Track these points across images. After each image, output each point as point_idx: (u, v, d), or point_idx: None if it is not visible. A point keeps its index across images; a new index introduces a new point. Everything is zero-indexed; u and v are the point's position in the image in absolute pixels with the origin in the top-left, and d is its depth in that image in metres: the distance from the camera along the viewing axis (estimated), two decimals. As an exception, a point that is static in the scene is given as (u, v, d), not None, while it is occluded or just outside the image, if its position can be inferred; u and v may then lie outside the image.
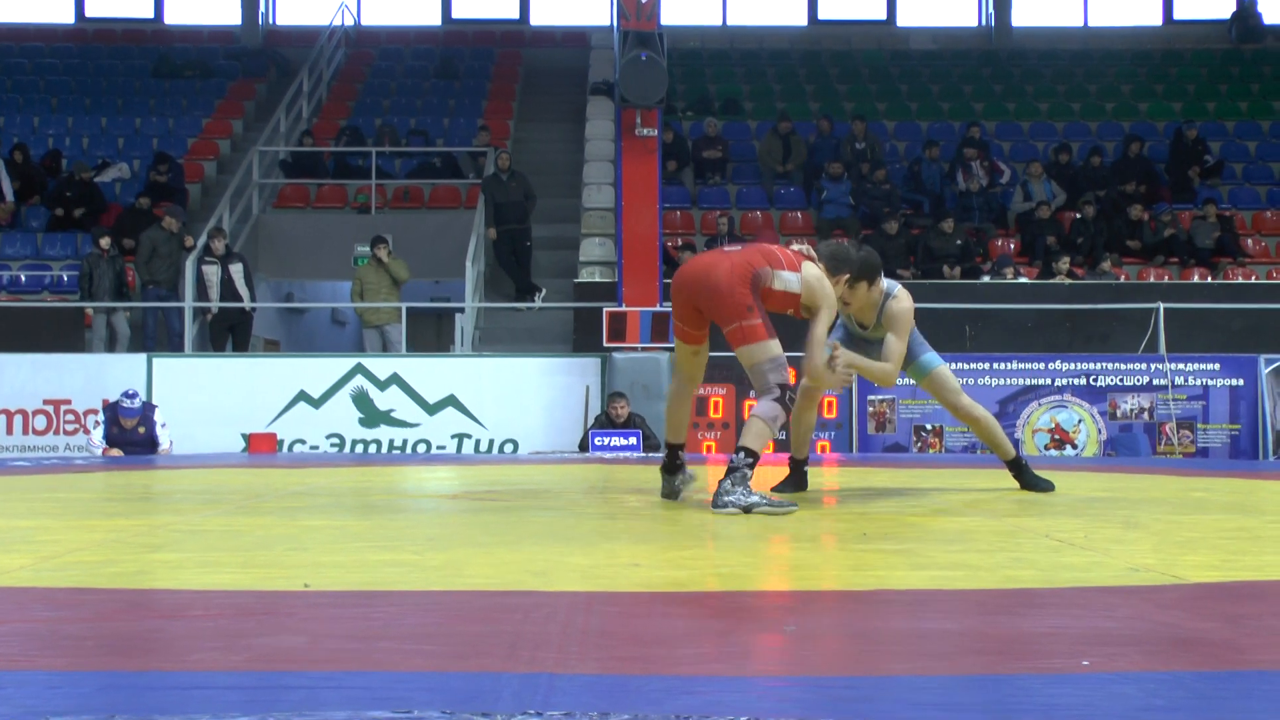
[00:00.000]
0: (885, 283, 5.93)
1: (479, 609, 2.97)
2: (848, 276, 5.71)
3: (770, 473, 6.24)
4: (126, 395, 11.20)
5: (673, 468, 5.82)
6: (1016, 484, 6.32)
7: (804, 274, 5.42)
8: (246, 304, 13.88)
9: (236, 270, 13.85)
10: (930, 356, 6.24)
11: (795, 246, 5.71)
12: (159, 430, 11.29)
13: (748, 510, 5.09)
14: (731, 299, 5.28)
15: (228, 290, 13.83)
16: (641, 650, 2.47)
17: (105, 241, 14.14)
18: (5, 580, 3.30)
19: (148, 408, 11.43)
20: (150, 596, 3.17)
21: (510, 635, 2.57)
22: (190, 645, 2.52)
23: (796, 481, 6.20)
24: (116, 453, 11.08)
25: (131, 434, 11.20)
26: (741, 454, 5.19)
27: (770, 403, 5.26)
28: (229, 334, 14.00)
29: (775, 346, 5.30)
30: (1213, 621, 2.83)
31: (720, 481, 5.22)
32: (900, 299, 5.93)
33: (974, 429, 6.48)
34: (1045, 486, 6.17)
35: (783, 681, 2.27)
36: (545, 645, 2.45)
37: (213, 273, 13.80)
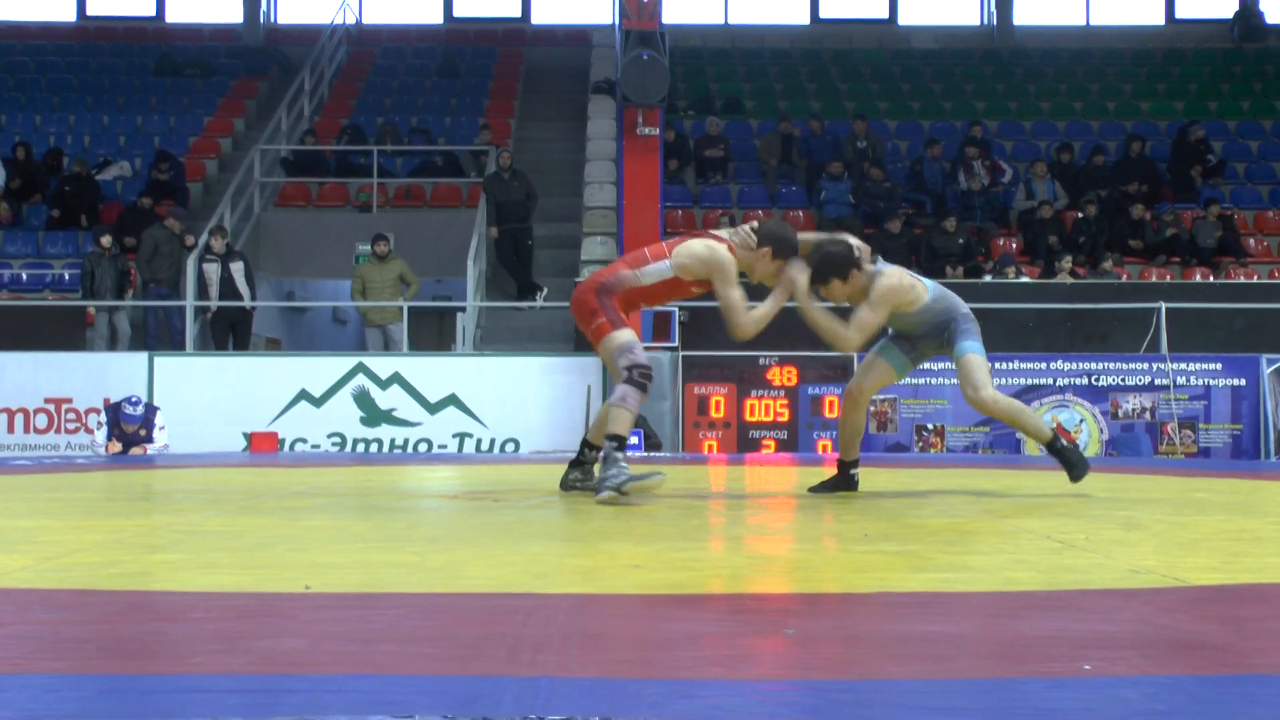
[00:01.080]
0: (880, 265, 5.94)
1: (480, 611, 2.96)
2: (767, 251, 5.83)
3: (816, 474, 6.24)
4: (129, 402, 11.20)
5: (579, 462, 6.18)
6: (1051, 475, 6.38)
7: (676, 256, 5.81)
8: (246, 303, 13.89)
9: (237, 268, 13.86)
10: (969, 344, 5.99)
11: (720, 231, 6.04)
12: (157, 432, 11.29)
13: (620, 489, 5.48)
14: (580, 311, 5.87)
15: (227, 288, 13.84)
16: (642, 653, 2.47)
17: (106, 240, 14.15)
18: (6, 581, 3.30)
19: (150, 410, 11.44)
20: (151, 598, 3.16)
21: (511, 638, 2.57)
22: (191, 648, 2.51)
23: (843, 483, 6.13)
24: (117, 448, 11.08)
25: (133, 438, 11.21)
26: (609, 442, 5.64)
27: (620, 385, 5.70)
28: (230, 332, 14.01)
29: (621, 335, 5.75)
30: (1214, 625, 2.83)
31: (599, 475, 5.66)
32: (886, 275, 5.86)
33: (1004, 421, 6.31)
34: (1079, 463, 6.00)
35: (783, 685, 2.27)
36: (546, 648, 2.45)
37: (213, 271, 13.82)
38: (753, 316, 5.79)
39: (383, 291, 14.23)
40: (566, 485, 6.13)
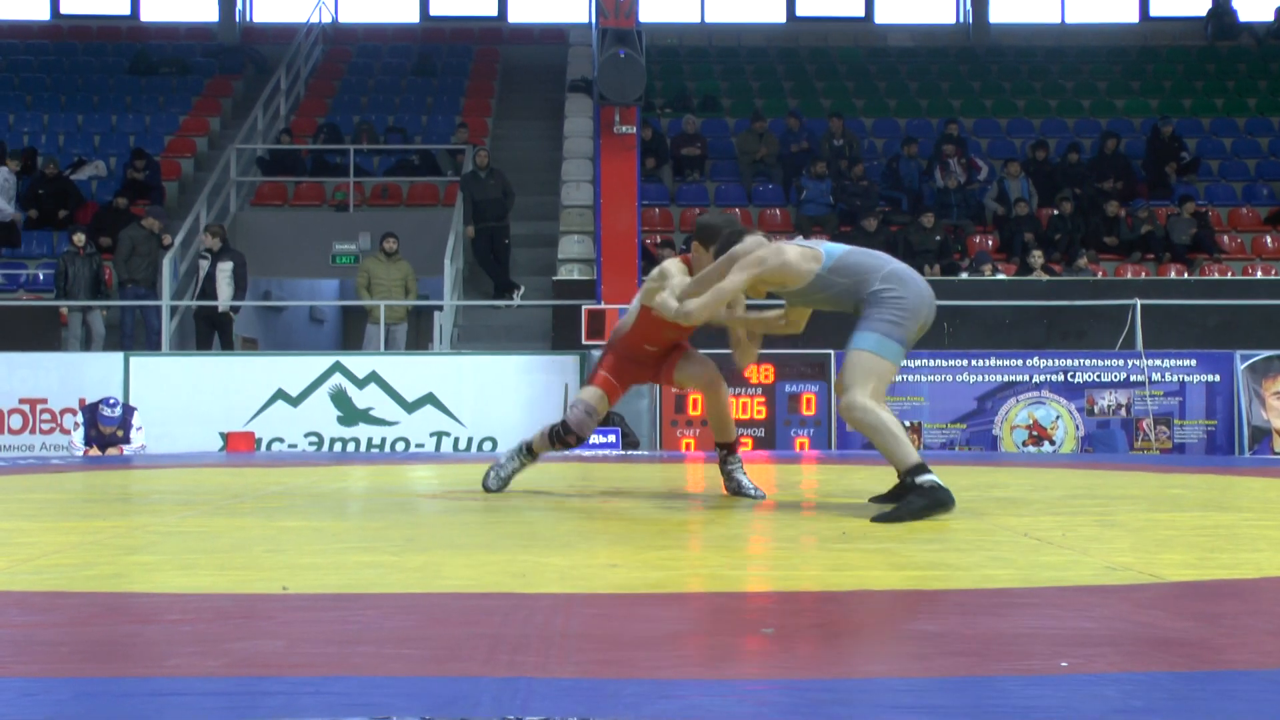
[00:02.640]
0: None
1: (458, 611, 2.96)
2: (696, 243, 5.64)
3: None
4: (107, 404, 11.15)
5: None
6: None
7: (642, 293, 5.80)
8: (220, 304, 13.82)
9: (224, 268, 13.82)
10: (862, 336, 5.06)
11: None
12: (134, 433, 11.25)
13: (492, 485, 6.03)
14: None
15: (209, 287, 13.80)
16: (620, 653, 2.46)
17: (80, 239, 14.09)
18: (-19, 584, 3.28)
19: (127, 410, 11.39)
20: (127, 600, 3.15)
21: (489, 638, 2.57)
22: (167, 650, 2.50)
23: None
24: (95, 451, 11.03)
25: (110, 439, 11.16)
26: (521, 444, 6.12)
27: (546, 428, 6.04)
28: (212, 331, 13.97)
29: (583, 391, 6.05)
30: (1190, 621, 2.84)
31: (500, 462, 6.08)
32: (753, 246, 5.24)
33: (863, 433, 5.20)
34: (935, 506, 4.87)
35: (762, 684, 2.27)
36: (524, 648, 2.45)
37: (204, 268, 13.84)
38: (705, 304, 5.46)
39: (390, 290, 14.25)
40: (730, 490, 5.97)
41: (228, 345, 14.01)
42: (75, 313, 13.99)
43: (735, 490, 5.86)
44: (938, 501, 4.83)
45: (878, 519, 4.83)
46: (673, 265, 5.69)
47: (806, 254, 5.14)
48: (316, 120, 19.26)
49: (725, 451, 5.95)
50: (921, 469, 4.90)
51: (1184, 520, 4.98)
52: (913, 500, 4.85)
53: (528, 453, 6.07)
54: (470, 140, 17.45)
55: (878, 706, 2.08)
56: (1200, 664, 2.37)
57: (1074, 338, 13.54)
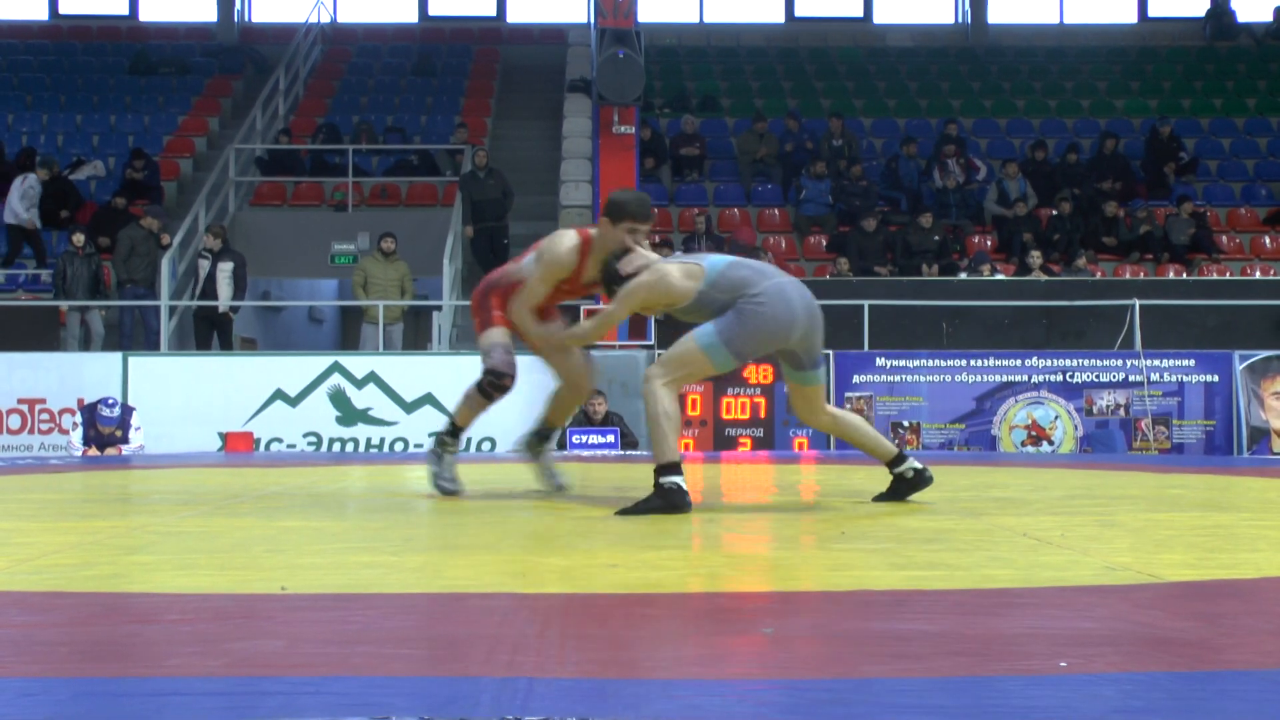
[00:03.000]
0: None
1: (457, 611, 2.96)
2: (604, 219, 5.55)
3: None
4: (105, 404, 11.15)
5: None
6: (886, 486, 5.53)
7: (537, 251, 5.69)
8: (220, 304, 13.82)
9: (224, 268, 13.82)
10: (704, 328, 5.11)
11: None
12: (133, 433, 11.25)
13: (440, 485, 5.75)
14: (473, 312, 5.95)
15: (209, 287, 13.80)
16: (620, 653, 2.46)
17: (79, 239, 14.09)
18: (-20, 584, 3.28)
19: (126, 411, 11.38)
20: (126, 600, 3.15)
21: (489, 638, 2.56)
22: (167, 650, 2.50)
23: (899, 486, 5.47)
24: (94, 452, 11.03)
25: (109, 439, 11.16)
26: (445, 429, 5.91)
27: (473, 386, 5.84)
28: (211, 331, 13.96)
29: (488, 335, 5.78)
30: (1189, 621, 2.84)
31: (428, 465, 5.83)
32: (648, 272, 5.20)
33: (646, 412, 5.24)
34: (669, 507, 4.97)
35: (761, 684, 2.27)
36: (524, 648, 2.45)
37: (204, 268, 13.83)
38: (526, 317, 5.66)
39: (387, 290, 14.26)
40: (532, 455, 6.13)
41: (227, 345, 14.01)
42: (74, 313, 13.99)
43: (549, 476, 6.04)
44: (672, 505, 4.92)
45: (620, 512, 4.99)
46: (570, 239, 5.59)
47: (690, 271, 5.12)
48: (315, 120, 19.26)
49: (539, 434, 6.09)
50: (672, 469, 4.96)
51: (1183, 520, 4.98)
52: (652, 499, 4.96)
53: (454, 435, 5.82)
54: (469, 140, 17.45)
55: (877, 707, 2.08)
56: (1200, 664, 2.37)
57: (1073, 338, 13.54)
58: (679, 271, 5.14)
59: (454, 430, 5.85)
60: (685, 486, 4.99)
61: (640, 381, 11.53)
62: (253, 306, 16.97)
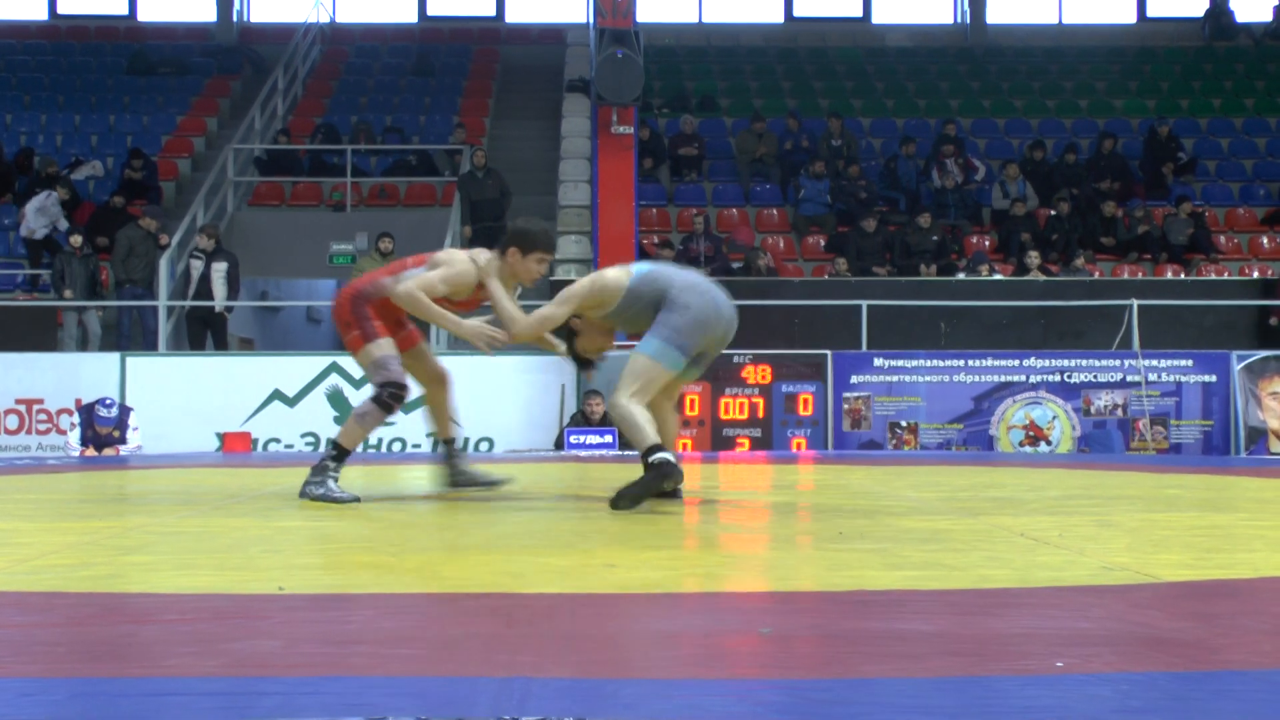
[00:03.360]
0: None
1: (455, 612, 2.96)
2: (513, 250, 5.68)
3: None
4: (103, 404, 11.15)
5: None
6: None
7: (431, 262, 5.70)
8: (216, 304, 13.81)
9: (218, 268, 13.81)
10: (646, 344, 5.35)
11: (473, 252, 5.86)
12: (130, 433, 11.25)
13: (319, 499, 5.54)
14: (338, 319, 5.84)
15: (204, 287, 13.80)
16: (618, 653, 2.47)
17: (77, 240, 14.09)
18: (-23, 584, 3.28)
19: (123, 411, 11.38)
20: (124, 600, 3.15)
21: (486, 638, 2.57)
22: (165, 650, 2.50)
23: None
24: (92, 452, 11.03)
25: (106, 439, 11.16)
26: (330, 449, 5.72)
27: (365, 401, 5.72)
28: (205, 331, 13.96)
29: (375, 349, 5.70)
30: (1186, 621, 2.85)
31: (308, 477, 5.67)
32: (583, 279, 5.61)
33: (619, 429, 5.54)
34: (660, 478, 5.18)
35: (759, 684, 2.27)
36: (522, 649, 2.45)
37: (196, 268, 13.81)
38: (421, 300, 5.59)
39: None
40: (453, 483, 6.10)
41: (222, 345, 13.99)
42: (70, 313, 13.98)
43: (469, 481, 6.04)
44: (665, 474, 5.15)
45: (614, 503, 5.13)
46: (472, 266, 5.68)
47: (621, 273, 5.49)
48: (314, 120, 19.25)
49: (448, 447, 6.08)
50: (655, 449, 5.20)
51: (1180, 520, 4.98)
52: (645, 477, 5.17)
53: (339, 456, 5.69)
54: (468, 140, 17.45)
55: (874, 706, 2.09)
56: (1197, 664, 2.37)
57: (1071, 338, 13.55)
58: (614, 273, 5.51)
59: (340, 455, 5.70)
60: (673, 459, 5.19)
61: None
62: (251, 307, 16.97)
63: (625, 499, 5.12)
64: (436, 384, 6.09)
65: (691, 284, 5.41)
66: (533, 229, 5.73)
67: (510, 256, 5.67)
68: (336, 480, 5.66)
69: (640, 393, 5.29)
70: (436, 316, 5.68)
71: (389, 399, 5.67)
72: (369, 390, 5.89)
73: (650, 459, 5.18)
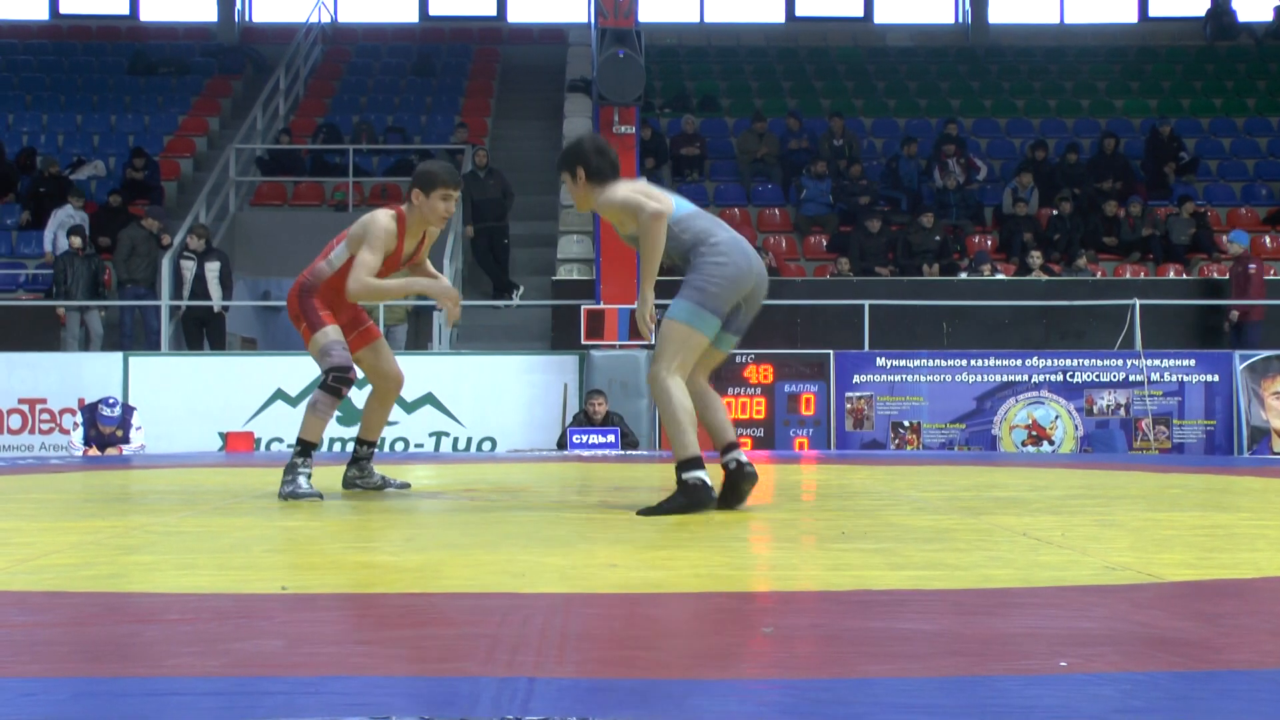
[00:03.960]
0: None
1: (457, 611, 2.96)
2: (415, 191, 5.73)
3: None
4: (106, 404, 11.16)
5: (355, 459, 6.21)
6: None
7: (348, 238, 5.74)
8: (214, 303, 13.81)
9: (211, 268, 13.82)
10: (678, 305, 5.04)
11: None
12: (133, 432, 11.25)
13: (289, 498, 5.55)
14: (292, 317, 5.84)
15: (199, 287, 13.79)
16: (620, 653, 2.46)
17: (77, 241, 14.10)
18: (-20, 584, 3.28)
19: (126, 410, 11.39)
20: (126, 600, 3.15)
21: (489, 638, 2.56)
22: (167, 650, 2.50)
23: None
24: (95, 451, 11.03)
25: (109, 439, 11.17)
26: (295, 447, 5.70)
27: (315, 390, 5.71)
28: (201, 331, 13.96)
29: (321, 336, 5.68)
30: (1189, 621, 2.84)
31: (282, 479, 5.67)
32: (613, 189, 5.16)
33: (658, 408, 5.27)
34: (695, 504, 4.96)
35: (761, 684, 2.27)
36: (524, 648, 2.45)
37: (188, 269, 13.79)
38: (369, 282, 5.61)
39: None
40: (347, 483, 6.14)
41: (218, 345, 13.99)
42: (73, 313, 13.99)
43: (381, 485, 6.07)
44: (698, 501, 4.92)
45: (641, 512, 4.95)
46: (386, 214, 5.72)
47: (667, 201, 5.11)
48: (316, 120, 19.26)
49: (369, 448, 6.11)
50: (694, 464, 4.96)
51: (1183, 520, 4.98)
52: (676, 497, 4.96)
53: (304, 452, 5.70)
54: (469, 140, 17.46)
55: (876, 706, 2.08)
56: (1199, 664, 2.37)
57: (1073, 338, 13.56)
58: (658, 193, 5.16)
59: (306, 449, 5.71)
60: (709, 481, 4.96)
61: (643, 383, 11.51)
62: (253, 306, 16.97)
63: (651, 513, 4.93)
64: (386, 383, 6.08)
65: (726, 241, 5.07)
66: (433, 168, 5.72)
67: (415, 199, 5.68)
68: (307, 477, 5.67)
69: (682, 365, 5.02)
70: (397, 289, 5.77)
71: (334, 383, 5.67)
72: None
73: (685, 476, 4.93)
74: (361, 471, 6.14)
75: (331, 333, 5.70)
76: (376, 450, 6.18)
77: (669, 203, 5.12)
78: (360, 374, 5.96)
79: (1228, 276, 14.38)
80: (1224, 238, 14.81)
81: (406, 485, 6.20)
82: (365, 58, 22.16)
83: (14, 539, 4.32)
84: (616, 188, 5.16)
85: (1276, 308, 13.74)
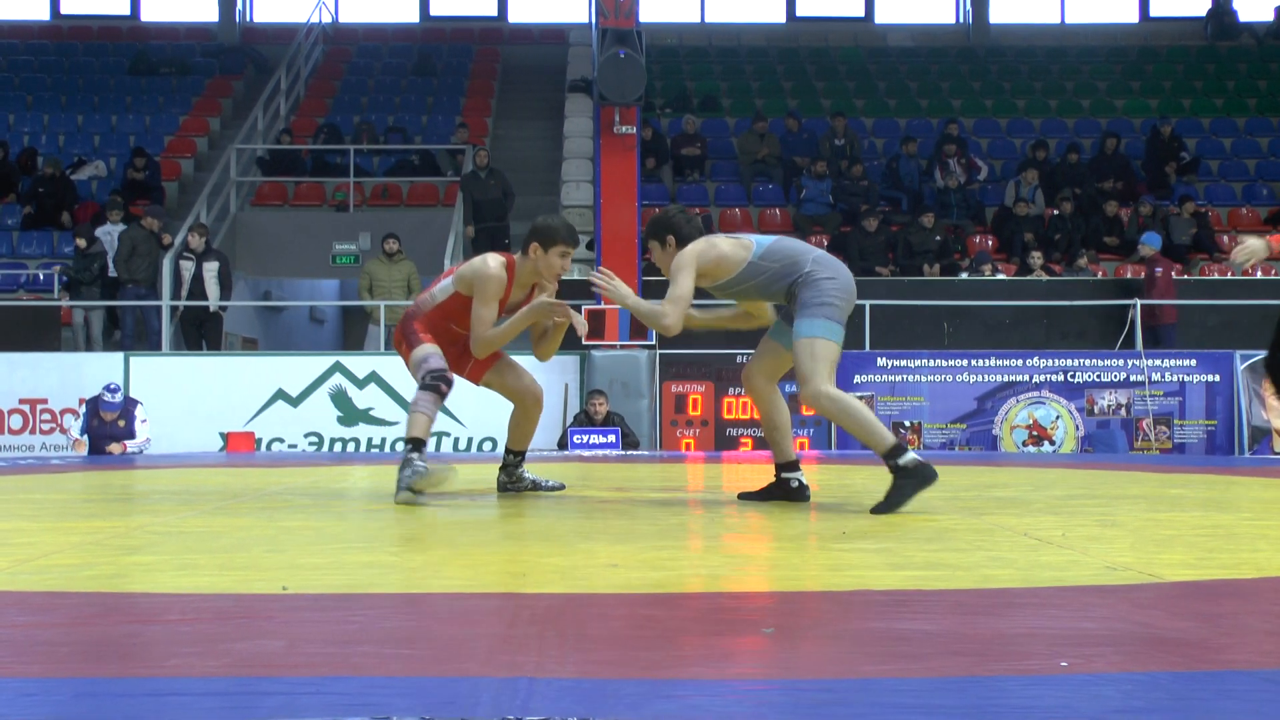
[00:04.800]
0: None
1: (457, 611, 2.96)
2: (534, 245, 5.72)
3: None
4: (108, 389, 11.18)
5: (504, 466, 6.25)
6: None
7: (456, 275, 5.80)
8: (211, 304, 13.79)
9: (210, 268, 13.81)
10: (806, 325, 5.14)
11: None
12: (138, 425, 11.27)
13: (414, 489, 5.59)
14: (397, 344, 6.03)
15: (197, 287, 13.79)
16: (620, 653, 2.46)
17: (83, 243, 14.15)
18: (-20, 584, 3.28)
19: (129, 402, 11.40)
20: (127, 600, 3.15)
21: (489, 638, 2.57)
22: (167, 650, 2.50)
23: (779, 490, 5.60)
24: (83, 448, 11.03)
25: (111, 427, 11.17)
26: (405, 445, 5.77)
27: (418, 391, 5.77)
28: (198, 332, 13.95)
29: (418, 351, 5.81)
30: (1189, 621, 2.84)
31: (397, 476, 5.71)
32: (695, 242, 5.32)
33: (835, 422, 5.45)
34: (920, 479, 5.02)
35: (762, 684, 2.27)
36: (524, 649, 2.45)
37: (187, 269, 13.78)
38: (487, 335, 5.74)
39: (391, 291, 14.25)
40: (500, 487, 6.18)
41: (216, 345, 13.99)
42: (80, 310, 14.05)
43: (533, 486, 6.14)
44: (924, 478, 4.98)
45: (876, 510, 5.01)
46: (496, 261, 5.73)
47: (740, 243, 5.30)
48: (316, 120, 19.27)
49: (516, 456, 6.15)
50: (901, 449, 5.04)
51: (1184, 520, 4.98)
52: (902, 484, 4.99)
53: (415, 447, 5.74)
54: (470, 140, 17.46)
55: (877, 706, 2.08)
56: (1200, 664, 2.37)
57: (1074, 338, 13.55)
58: (730, 244, 5.29)
59: (417, 445, 5.76)
60: (920, 457, 5.05)
61: (644, 383, 11.52)
62: (254, 307, 16.99)
63: (888, 509, 4.97)
64: (524, 399, 6.13)
65: (821, 257, 5.27)
66: (554, 223, 5.77)
67: (532, 253, 5.71)
68: (423, 465, 5.68)
69: (830, 376, 5.12)
70: (507, 333, 5.79)
71: (431, 381, 5.74)
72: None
73: (901, 462, 4.99)
74: (510, 477, 6.16)
75: (427, 348, 5.81)
76: (430, 449, 6.17)
77: (748, 244, 5.28)
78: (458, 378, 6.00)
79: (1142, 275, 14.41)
80: (1141, 238, 14.78)
81: (560, 486, 6.21)
82: (366, 58, 22.16)
83: (15, 539, 4.33)
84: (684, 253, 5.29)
85: (1188, 309, 13.73)
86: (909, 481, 4.98)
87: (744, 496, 5.72)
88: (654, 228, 5.46)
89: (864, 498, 5.92)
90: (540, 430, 12.20)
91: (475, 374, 6.08)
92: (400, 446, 5.75)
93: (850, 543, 4.19)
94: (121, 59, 21.66)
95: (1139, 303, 13.05)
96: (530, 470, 6.25)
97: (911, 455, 5.03)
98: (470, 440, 12.37)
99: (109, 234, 14.59)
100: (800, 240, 5.44)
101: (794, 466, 5.52)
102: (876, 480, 5.75)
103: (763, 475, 6.03)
